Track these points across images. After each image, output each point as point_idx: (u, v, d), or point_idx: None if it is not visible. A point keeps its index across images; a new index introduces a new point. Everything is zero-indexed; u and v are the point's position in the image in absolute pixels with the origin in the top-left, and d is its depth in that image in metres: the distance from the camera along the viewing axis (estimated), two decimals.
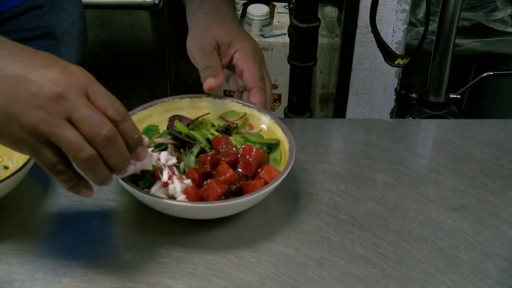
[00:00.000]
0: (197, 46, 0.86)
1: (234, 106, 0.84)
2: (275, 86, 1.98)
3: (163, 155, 0.76)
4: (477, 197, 0.81)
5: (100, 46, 1.67)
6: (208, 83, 0.82)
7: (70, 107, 0.60)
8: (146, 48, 1.74)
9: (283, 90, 1.89)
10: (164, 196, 0.72)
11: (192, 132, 0.80)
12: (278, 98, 1.99)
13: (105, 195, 0.79)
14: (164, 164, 0.75)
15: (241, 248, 0.73)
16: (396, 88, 1.44)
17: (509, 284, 0.70)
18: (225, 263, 0.72)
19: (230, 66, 0.87)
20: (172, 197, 0.73)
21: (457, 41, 1.47)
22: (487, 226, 0.77)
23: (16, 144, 0.62)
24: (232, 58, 0.86)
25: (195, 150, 0.78)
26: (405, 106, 1.30)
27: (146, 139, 0.80)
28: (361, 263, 0.72)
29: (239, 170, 0.75)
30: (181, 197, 0.73)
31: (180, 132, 0.80)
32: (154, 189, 0.74)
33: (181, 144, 0.79)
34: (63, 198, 0.78)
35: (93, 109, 0.61)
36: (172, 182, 0.73)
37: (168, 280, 0.69)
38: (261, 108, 0.83)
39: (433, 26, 1.28)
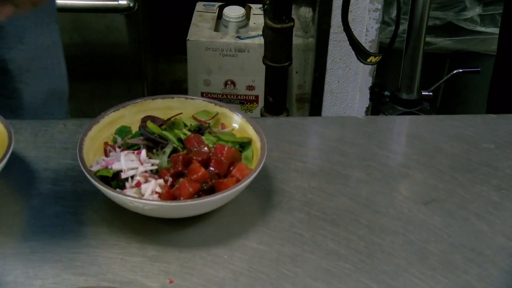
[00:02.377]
0: None
1: (206, 106, 0.85)
2: (252, 88, 1.99)
3: (143, 153, 0.76)
4: (447, 191, 0.82)
5: (75, 50, 1.67)
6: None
7: None
8: (122, 51, 1.74)
9: (260, 91, 1.90)
10: (136, 195, 0.73)
11: (164, 132, 0.80)
12: (255, 99, 2.00)
13: (79, 196, 0.79)
14: (141, 163, 0.75)
15: (214, 246, 0.74)
16: (370, 87, 1.46)
17: (475, 273, 0.71)
18: (198, 260, 0.72)
19: None
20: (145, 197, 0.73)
21: (429, 39, 1.49)
22: (456, 218, 0.78)
23: None
24: None
25: (168, 150, 0.79)
26: (379, 104, 1.31)
27: (119, 140, 0.81)
28: (333, 258, 0.73)
29: (211, 168, 0.76)
30: (154, 196, 0.73)
31: (152, 133, 0.80)
32: (127, 189, 0.74)
33: (153, 144, 0.80)
34: (36, 200, 0.78)
35: None
36: (144, 182, 0.74)
37: (142, 279, 0.70)
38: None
39: (404, 24, 1.30)
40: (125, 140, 0.80)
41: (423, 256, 0.73)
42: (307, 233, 0.76)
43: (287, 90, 1.54)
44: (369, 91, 1.46)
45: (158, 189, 0.73)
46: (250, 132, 0.81)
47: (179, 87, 2.17)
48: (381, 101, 1.31)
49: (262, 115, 1.47)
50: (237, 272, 0.71)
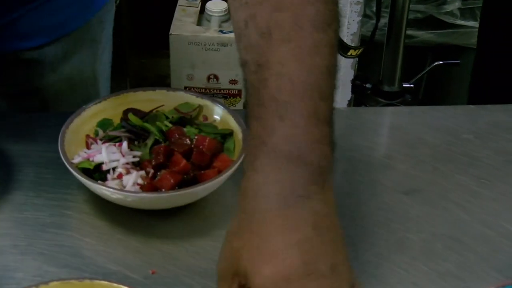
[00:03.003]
0: (220, 266, 0.59)
1: (188, 98, 0.85)
2: (234, 82, 1.99)
3: (125, 145, 0.76)
4: (428, 181, 0.83)
5: None
6: None
7: None
8: None
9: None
10: (118, 187, 0.73)
11: (146, 124, 0.80)
12: (238, 94, 2.00)
13: (61, 189, 0.79)
14: (123, 155, 0.75)
15: (197, 237, 0.74)
16: (352, 80, 1.46)
17: (454, 261, 0.72)
18: (181, 251, 0.72)
19: None
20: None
21: (411, 32, 1.50)
22: (437, 208, 0.79)
23: None
24: None
25: (149, 142, 0.78)
26: (361, 96, 1.32)
27: (100, 132, 0.81)
28: None
29: (193, 160, 0.76)
30: (135, 188, 0.73)
31: (134, 125, 0.80)
32: (108, 181, 0.74)
33: (135, 136, 0.79)
34: (17, 192, 0.78)
35: None
36: (126, 174, 0.74)
37: (125, 271, 0.70)
38: None
39: (385, 18, 1.31)
40: (106, 133, 0.80)
41: (404, 245, 0.74)
42: None
43: None
44: (351, 84, 1.47)
45: (140, 181, 0.73)
46: (232, 123, 0.81)
47: (162, 82, 2.16)
48: (363, 94, 1.32)
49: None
50: None
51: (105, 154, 0.75)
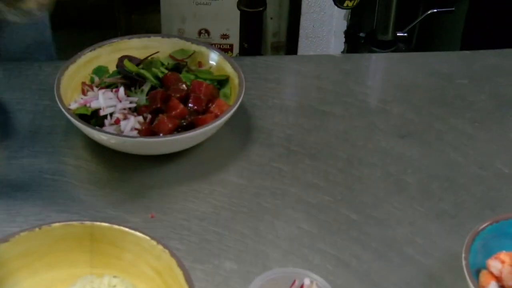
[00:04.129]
0: None
1: (183, 44, 0.84)
2: (226, 36, 1.97)
3: (121, 90, 0.76)
4: (423, 124, 0.83)
5: None
6: None
7: None
8: (95, 1, 1.71)
9: (235, 39, 1.88)
10: (116, 132, 0.73)
11: (142, 71, 0.80)
12: (230, 48, 1.99)
13: (57, 135, 0.79)
14: (120, 100, 0.75)
15: (194, 181, 0.74)
16: (345, 31, 1.46)
17: (450, 201, 0.73)
18: (179, 195, 0.73)
19: None
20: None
21: None
22: (432, 150, 0.80)
23: None
24: None
25: (146, 88, 0.78)
26: (354, 45, 1.31)
27: (96, 79, 0.80)
28: (312, 190, 0.74)
29: (190, 105, 0.76)
30: (133, 133, 0.73)
31: (130, 71, 0.79)
32: (106, 126, 0.74)
33: (131, 82, 0.79)
34: (13, 139, 0.78)
35: None
36: (123, 119, 0.73)
37: (124, 215, 0.70)
38: None
39: None
40: (102, 79, 0.80)
41: (400, 187, 0.75)
42: (287, 167, 0.77)
43: (262, 38, 1.53)
44: (344, 36, 1.46)
45: (138, 126, 0.73)
46: (228, 69, 0.81)
47: None
48: (357, 43, 1.31)
49: None
50: (218, 206, 0.72)
51: (102, 100, 0.75)
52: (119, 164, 0.75)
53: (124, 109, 0.75)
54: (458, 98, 0.87)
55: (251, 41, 1.50)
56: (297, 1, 1.45)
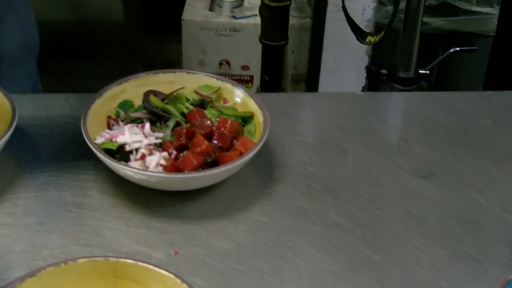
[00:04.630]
0: None
1: (208, 80, 0.85)
2: (246, 68, 1.99)
3: (147, 126, 0.77)
4: (445, 165, 0.83)
5: (71, 27, 1.66)
6: None
7: None
8: (117, 30, 1.74)
9: (255, 71, 1.90)
10: (141, 168, 0.74)
11: (167, 106, 0.81)
12: (250, 80, 2.00)
13: (82, 169, 0.80)
14: (145, 136, 0.76)
15: (218, 218, 0.75)
16: (367, 66, 1.47)
17: (473, 244, 0.72)
18: (202, 232, 0.73)
19: None
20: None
21: (425, 19, 1.49)
22: (455, 192, 0.79)
23: None
24: None
25: (171, 123, 0.79)
26: (376, 82, 1.32)
27: (122, 114, 0.81)
28: (335, 229, 0.74)
29: (215, 142, 0.77)
30: (158, 169, 0.74)
31: (155, 107, 0.81)
32: (131, 161, 0.75)
33: (156, 118, 0.80)
34: (40, 172, 0.79)
35: None
36: (149, 155, 0.74)
37: (146, 250, 0.71)
38: None
39: (401, 4, 1.31)
40: (128, 114, 0.81)
41: (422, 227, 0.75)
42: (309, 205, 0.77)
43: (283, 71, 1.54)
44: (365, 71, 1.47)
45: (163, 162, 0.74)
46: (252, 106, 0.82)
47: (173, 67, 2.16)
48: (378, 80, 1.32)
49: None
50: (241, 243, 0.72)
51: (128, 135, 0.76)
52: (143, 199, 0.76)
53: (150, 144, 0.76)
54: (481, 139, 0.87)
55: (272, 74, 1.52)
56: (318, 36, 1.47)
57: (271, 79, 1.51)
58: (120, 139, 0.76)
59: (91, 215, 0.75)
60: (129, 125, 0.78)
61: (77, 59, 1.56)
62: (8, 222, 0.72)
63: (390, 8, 1.52)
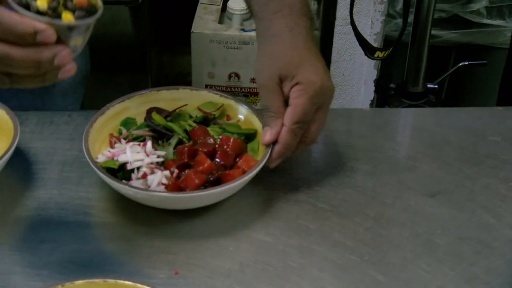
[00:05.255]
0: (262, 79, 0.77)
1: (212, 97, 0.84)
2: (254, 80, 1.98)
3: (149, 144, 0.76)
4: (454, 183, 0.82)
5: None
6: (262, 137, 0.76)
7: None
8: (126, 43, 1.74)
9: None
10: (143, 187, 0.73)
11: (170, 124, 0.80)
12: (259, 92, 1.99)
13: (84, 187, 0.79)
14: (147, 154, 0.75)
15: (220, 237, 0.74)
16: (375, 80, 1.45)
17: (482, 266, 0.71)
18: (204, 252, 0.72)
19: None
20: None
21: (434, 32, 1.48)
22: (463, 211, 0.78)
23: None
24: (290, 90, 0.76)
25: (173, 141, 0.78)
26: (384, 96, 1.31)
27: (124, 131, 0.81)
28: (339, 249, 0.73)
29: (217, 160, 0.76)
30: (160, 187, 0.73)
31: (158, 124, 0.80)
32: (133, 180, 0.74)
33: (159, 136, 0.79)
34: (42, 191, 0.78)
35: None
36: (151, 173, 0.73)
37: (148, 270, 0.70)
38: (274, 156, 0.75)
39: (410, 17, 1.30)
40: (130, 132, 0.80)
41: (429, 248, 0.73)
42: (314, 224, 0.76)
43: None
44: (374, 84, 1.45)
45: (165, 181, 0.73)
46: (256, 123, 0.81)
47: (183, 80, 2.16)
48: (387, 94, 1.30)
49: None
50: (243, 263, 0.71)
51: (130, 154, 0.75)
52: (145, 218, 0.75)
53: (152, 163, 0.75)
54: (490, 156, 0.86)
55: None
56: (327, 49, 1.46)
57: None
58: (122, 158, 0.75)
59: (93, 234, 0.74)
60: (131, 144, 0.77)
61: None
62: (8, 241, 0.72)
63: (399, 21, 1.51)
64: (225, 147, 0.77)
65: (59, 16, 0.58)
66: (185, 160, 0.75)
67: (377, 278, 0.70)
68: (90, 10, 0.60)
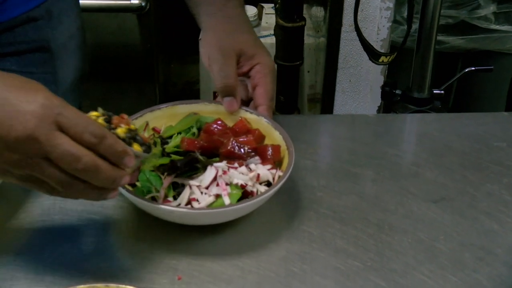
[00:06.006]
0: (218, 47, 0.84)
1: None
2: None
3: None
4: (457, 190, 0.82)
5: (88, 50, 1.67)
6: (229, 106, 0.83)
7: (43, 149, 0.59)
8: (134, 51, 1.74)
9: None
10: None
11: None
12: None
13: None
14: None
15: (222, 243, 0.74)
16: (382, 86, 1.45)
17: (485, 272, 0.70)
18: (206, 258, 0.72)
19: (245, 76, 0.86)
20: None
21: (441, 38, 1.48)
22: (466, 217, 0.78)
23: (4, 175, 0.63)
24: (250, 69, 0.84)
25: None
26: (390, 103, 1.31)
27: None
28: (342, 256, 0.73)
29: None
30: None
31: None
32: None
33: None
34: (45, 197, 0.79)
35: (66, 144, 0.60)
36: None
37: (151, 276, 0.70)
38: None
39: (416, 24, 1.30)
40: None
41: (432, 254, 0.73)
42: (316, 231, 0.76)
43: (299, 90, 1.54)
44: (380, 90, 1.45)
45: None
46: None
47: (191, 88, 2.17)
48: (393, 100, 1.30)
49: (273, 114, 1.47)
50: (245, 269, 0.71)
51: None
52: (148, 224, 0.75)
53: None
54: (494, 162, 0.86)
55: (287, 94, 1.51)
56: (333, 56, 1.46)
57: (286, 99, 1.51)
58: None
59: (96, 241, 0.74)
60: None
61: (94, 82, 1.57)
62: (12, 248, 0.72)
63: (405, 27, 1.51)
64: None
65: (130, 145, 0.66)
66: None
67: (379, 284, 0.70)
68: (149, 147, 0.68)
